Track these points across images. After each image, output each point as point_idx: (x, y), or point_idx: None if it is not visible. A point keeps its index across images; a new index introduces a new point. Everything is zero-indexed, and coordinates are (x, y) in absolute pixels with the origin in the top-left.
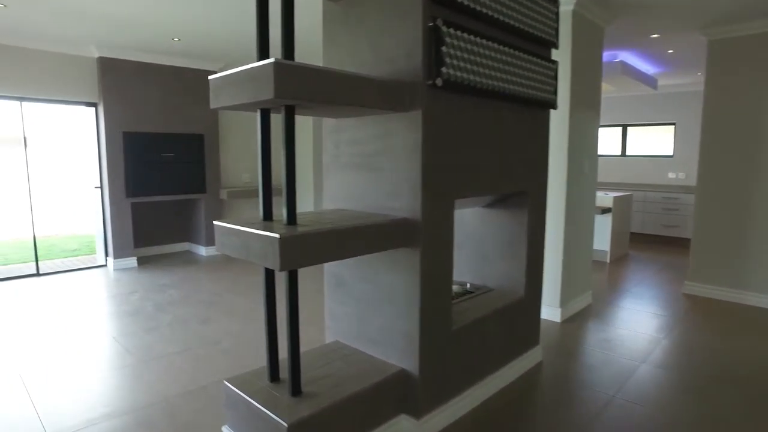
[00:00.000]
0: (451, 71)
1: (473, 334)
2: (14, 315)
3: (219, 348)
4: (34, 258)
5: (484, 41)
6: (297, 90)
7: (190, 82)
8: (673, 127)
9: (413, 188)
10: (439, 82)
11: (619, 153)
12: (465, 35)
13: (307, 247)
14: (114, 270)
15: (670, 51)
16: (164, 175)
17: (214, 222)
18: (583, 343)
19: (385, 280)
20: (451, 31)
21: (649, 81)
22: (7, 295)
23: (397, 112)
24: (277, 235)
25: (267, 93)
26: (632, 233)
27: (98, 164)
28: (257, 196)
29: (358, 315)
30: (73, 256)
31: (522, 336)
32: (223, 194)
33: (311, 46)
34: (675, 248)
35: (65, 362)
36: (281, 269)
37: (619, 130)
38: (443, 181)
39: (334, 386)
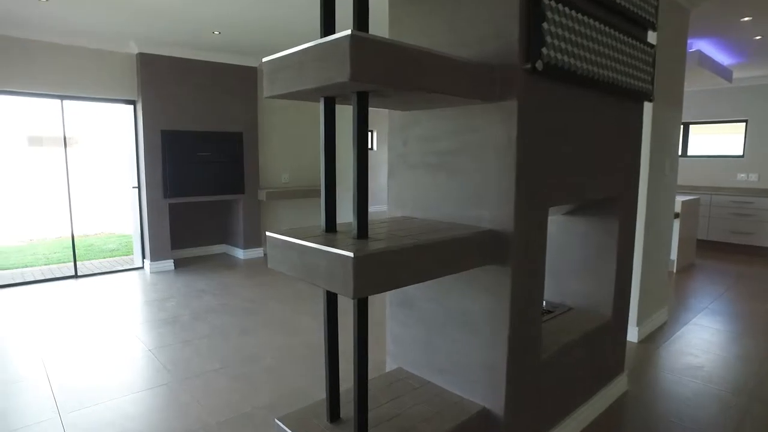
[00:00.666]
0: (552, 53)
1: (561, 364)
2: (50, 321)
3: (261, 366)
4: (72, 258)
5: (586, 19)
6: (378, 72)
7: (229, 79)
8: (744, 124)
9: (504, 194)
10: (539, 65)
11: (680, 153)
12: (567, 10)
13: (386, 267)
14: (151, 273)
15: (758, 37)
16: (202, 174)
17: (267, 233)
18: (668, 369)
19: (460, 301)
20: (552, 4)
21: (725, 73)
22: (45, 299)
23: (485, 102)
24: (350, 254)
25: (341, 75)
26: (697, 240)
27: (136, 163)
28: (297, 197)
29: (426, 340)
30: (111, 257)
31: (608, 363)
32: (262, 195)
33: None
34: (747, 257)
35: (100, 378)
36: (354, 296)
37: (680, 128)
38: (538, 186)
39: (406, 430)
